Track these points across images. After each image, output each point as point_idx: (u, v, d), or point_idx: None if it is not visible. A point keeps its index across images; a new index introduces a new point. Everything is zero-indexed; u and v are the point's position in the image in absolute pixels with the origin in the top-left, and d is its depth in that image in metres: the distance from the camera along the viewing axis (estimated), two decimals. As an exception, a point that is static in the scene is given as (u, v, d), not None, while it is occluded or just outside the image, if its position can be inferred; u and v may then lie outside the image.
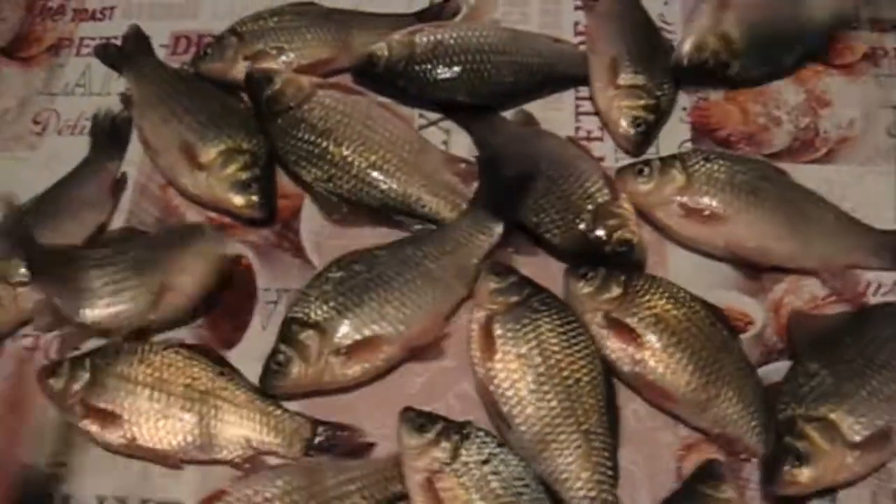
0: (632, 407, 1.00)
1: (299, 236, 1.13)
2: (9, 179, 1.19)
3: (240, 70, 1.20)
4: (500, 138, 1.16)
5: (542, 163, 1.11)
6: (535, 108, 1.21)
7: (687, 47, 1.19)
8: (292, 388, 0.99)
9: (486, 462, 0.90)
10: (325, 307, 1.00)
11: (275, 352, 0.99)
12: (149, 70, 1.24)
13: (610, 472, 0.93)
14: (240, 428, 0.98)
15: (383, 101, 1.20)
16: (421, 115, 1.22)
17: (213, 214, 1.15)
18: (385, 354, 1.00)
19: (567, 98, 1.23)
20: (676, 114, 1.20)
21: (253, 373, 1.00)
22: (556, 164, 1.10)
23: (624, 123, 1.16)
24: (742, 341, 1.01)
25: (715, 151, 1.13)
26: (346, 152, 1.12)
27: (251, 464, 0.97)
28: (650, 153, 1.17)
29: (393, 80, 1.20)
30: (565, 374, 0.95)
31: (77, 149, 1.21)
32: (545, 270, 1.07)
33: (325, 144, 1.12)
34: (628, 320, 0.99)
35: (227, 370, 1.01)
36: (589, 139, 1.19)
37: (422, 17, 1.27)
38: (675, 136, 1.19)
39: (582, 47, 1.25)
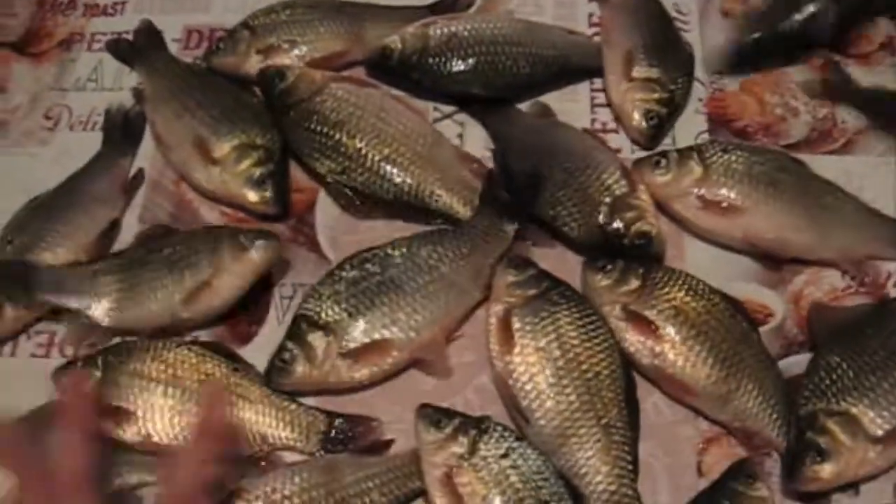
0: (651, 400, 0.99)
1: (314, 231, 1.12)
2: (21, 175, 1.18)
3: (252, 64, 1.20)
4: (516, 130, 1.15)
5: (558, 155, 1.10)
6: (550, 99, 1.19)
7: None
8: (297, 386, 0.98)
9: (504, 456, 0.89)
10: (336, 308, 0.99)
11: (281, 348, 0.98)
12: (161, 65, 1.23)
13: (630, 466, 0.92)
14: (255, 424, 0.97)
15: (397, 94, 1.19)
16: (435, 108, 1.21)
17: (227, 209, 1.14)
18: (393, 359, 0.99)
19: (582, 89, 1.22)
20: (692, 105, 1.19)
21: (270, 368, 0.99)
22: (572, 156, 1.09)
23: (637, 116, 1.15)
24: (762, 333, 0.99)
25: (732, 143, 1.12)
26: (359, 144, 1.11)
27: (267, 461, 0.96)
28: (666, 144, 1.15)
29: (407, 72, 1.19)
30: (584, 367, 0.94)
31: (89, 144, 1.20)
32: (563, 263, 1.06)
33: (338, 136, 1.12)
34: (647, 313, 0.98)
35: (241, 366, 1.00)
36: (605, 131, 1.18)
37: (435, 9, 1.26)
38: (691, 127, 1.17)
39: (596, 39, 1.24)
